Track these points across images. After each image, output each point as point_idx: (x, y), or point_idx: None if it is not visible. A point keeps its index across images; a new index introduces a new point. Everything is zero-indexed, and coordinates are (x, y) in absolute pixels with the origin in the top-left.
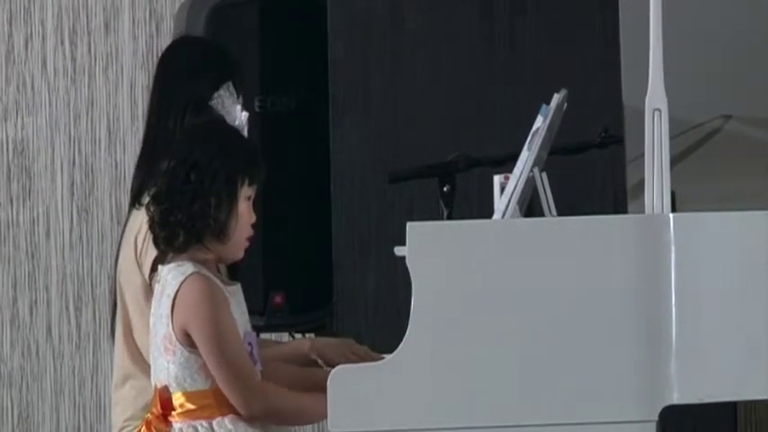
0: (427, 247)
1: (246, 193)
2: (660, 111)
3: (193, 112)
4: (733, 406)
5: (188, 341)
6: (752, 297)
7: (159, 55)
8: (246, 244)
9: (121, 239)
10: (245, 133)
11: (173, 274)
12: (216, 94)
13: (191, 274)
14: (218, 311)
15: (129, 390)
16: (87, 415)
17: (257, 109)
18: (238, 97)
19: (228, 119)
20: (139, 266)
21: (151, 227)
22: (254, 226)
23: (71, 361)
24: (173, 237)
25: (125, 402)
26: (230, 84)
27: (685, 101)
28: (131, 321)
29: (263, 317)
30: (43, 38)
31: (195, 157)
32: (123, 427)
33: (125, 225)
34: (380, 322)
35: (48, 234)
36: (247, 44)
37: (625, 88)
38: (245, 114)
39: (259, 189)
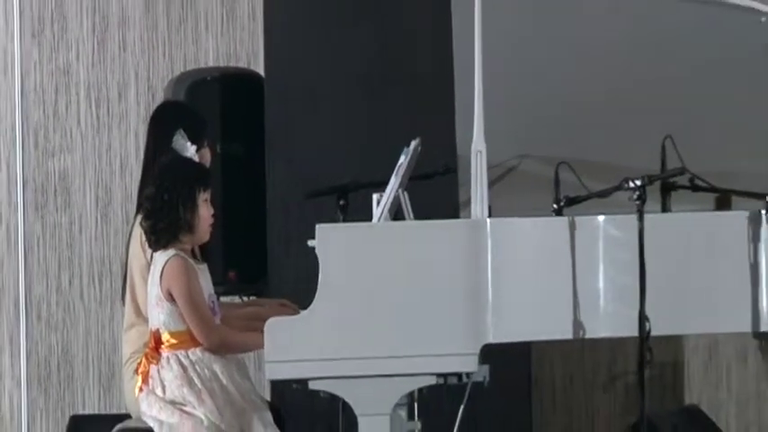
0: (330, 240)
1: (203, 197)
2: (481, 152)
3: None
4: (528, 345)
5: (171, 298)
6: (543, 273)
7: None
8: (210, 230)
9: (130, 235)
10: (196, 159)
11: (162, 257)
12: (174, 138)
13: (173, 256)
14: (190, 279)
15: (134, 333)
16: (106, 349)
17: (219, 150)
18: (198, 139)
19: (183, 153)
20: (144, 252)
21: (145, 234)
22: (213, 216)
23: (96, 314)
24: (159, 240)
25: (131, 341)
26: (182, 129)
27: (498, 144)
28: (136, 288)
29: (223, 286)
30: (78, 102)
31: (165, 183)
32: (130, 358)
33: (132, 226)
34: (298, 289)
35: (80, 231)
36: (213, 107)
37: (458, 136)
38: (193, 148)
39: (213, 191)
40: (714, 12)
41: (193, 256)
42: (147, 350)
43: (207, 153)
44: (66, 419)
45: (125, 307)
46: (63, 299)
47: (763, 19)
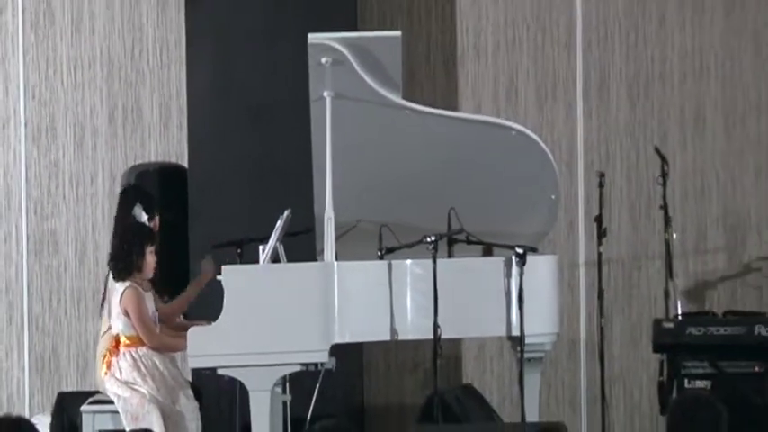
0: (231, 276)
1: (150, 249)
2: (330, 218)
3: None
4: (361, 344)
5: (127, 314)
6: (370, 297)
7: (117, 194)
8: (153, 272)
9: (108, 276)
10: (147, 224)
11: (121, 287)
12: (134, 207)
13: (128, 286)
14: (140, 303)
15: (105, 338)
16: (81, 349)
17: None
18: (148, 209)
19: (139, 219)
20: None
21: (110, 270)
22: (157, 262)
23: (75, 326)
24: (119, 274)
25: (102, 344)
26: (140, 203)
27: (342, 212)
28: (112, 309)
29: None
30: (63, 185)
31: (126, 237)
32: (101, 355)
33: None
34: (210, 308)
35: (65, 270)
36: (154, 189)
37: (316, 208)
38: (146, 216)
39: (156, 246)
40: (484, 128)
41: (142, 285)
42: (110, 347)
43: (157, 220)
44: (55, 395)
45: (102, 319)
46: (53, 315)
47: (513, 133)
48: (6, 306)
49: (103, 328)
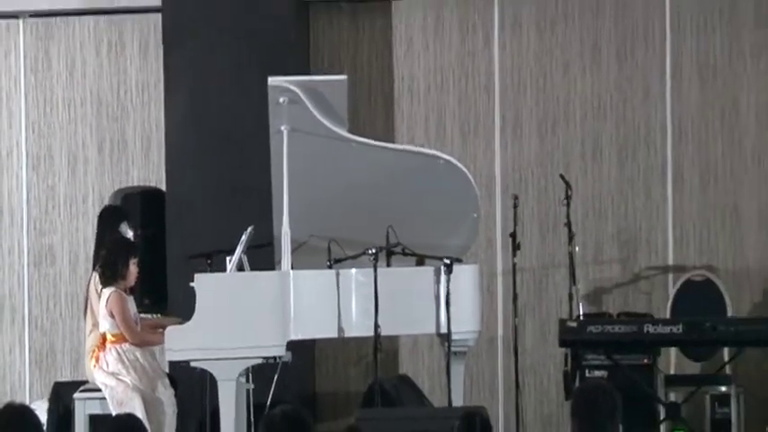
0: (202, 282)
1: (133, 261)
2: (287, 233)
3: (117, 233)
4: (313, 340)
5: (112, 316)
6: (321, 301)
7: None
8: (134, 281)
9: (89, 282)
10: (132, 238)
11: (107, 291)
12: (120, 225)
13: (113, 291)
14: (123, 305)
15: (93, 335)
16: (74, 345)
17: (140, 232)
18: (130, 226)
19: (125, 235)
20: (97, 292)
21: (98, 276)
22: (139, 273)
23: (69, 325)
24: (106, 280)
25: (90, 341)
26: (126, 222)
27: (297, 228)
28: (94, 311)
29: (141, 307)
30: (59, 205)
31: (114, 250)
32: (90, 350)
33: (90, 276)
34: (185, 310)
35: (60, 278)
36: (136, 209)
37: (274, 224)
38: (131, 233)
39: (139, 259)
40: (417, 157)
41: (125, 290)
42: (98, 343)
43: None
44: (51, 384)
45: (86, 320)
46: (50, 316)
47: (441, 162)
48: (10, 309)
49: (88, 328)
